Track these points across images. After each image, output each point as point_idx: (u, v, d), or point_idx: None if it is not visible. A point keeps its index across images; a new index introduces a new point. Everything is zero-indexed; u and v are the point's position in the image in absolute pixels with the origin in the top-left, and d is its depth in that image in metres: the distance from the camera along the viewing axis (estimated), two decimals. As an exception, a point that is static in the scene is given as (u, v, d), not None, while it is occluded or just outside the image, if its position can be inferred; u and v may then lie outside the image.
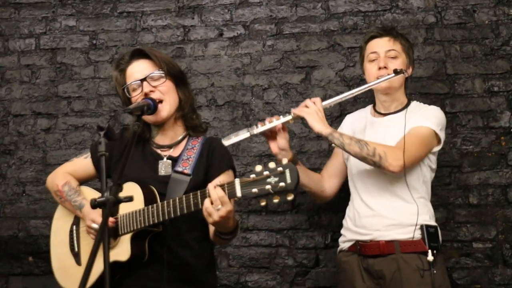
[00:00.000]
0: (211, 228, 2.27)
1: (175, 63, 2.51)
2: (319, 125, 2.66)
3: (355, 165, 2.82)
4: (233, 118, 3.51)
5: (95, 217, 2.30)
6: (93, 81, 3.68)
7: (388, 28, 2.95)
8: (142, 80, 2.36)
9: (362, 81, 3.43)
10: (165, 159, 2.40)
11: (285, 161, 1.93)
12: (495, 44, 3.38)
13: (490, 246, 3.17)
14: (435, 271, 2.54)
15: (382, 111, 2.88)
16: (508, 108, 3.31)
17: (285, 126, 2.82)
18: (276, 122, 2.75)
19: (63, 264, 2.49)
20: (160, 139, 2.46)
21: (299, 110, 2.74)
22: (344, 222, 2.88)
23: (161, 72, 2.39)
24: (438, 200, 3.22)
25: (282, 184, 1.88)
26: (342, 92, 3.34)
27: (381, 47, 2.82)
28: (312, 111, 2.69)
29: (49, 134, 3.65)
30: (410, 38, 3.41)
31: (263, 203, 1.95)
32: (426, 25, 3.46)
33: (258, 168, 1.94)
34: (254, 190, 1.92)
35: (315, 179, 2.97)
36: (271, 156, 3.36)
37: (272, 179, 1.89)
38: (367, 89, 2.82)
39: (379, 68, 2.78)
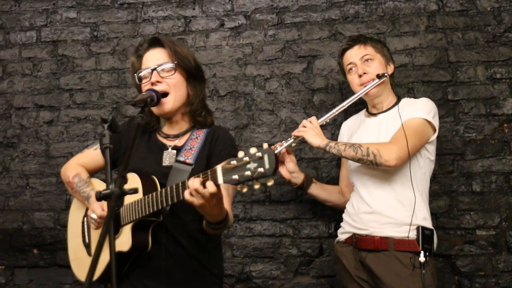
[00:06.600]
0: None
1: (191, 58, 2.46)
2: (316, 139, 2.80)
3: (353, 162, 2.86)
4: (235, 108, 3.51)
5: (94, 207, 2.31)
6: (94, 73, 3.68)
7: (355, 37, 3.04)
8: (153, 69, 2.37)
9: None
10: (170, 149, 2.41)
11: (265, 145, 1.86)
12: (497, 31, 3.37)
13: (493, 233, 3.18)
14: (424, 272, 2.58)
15: (375, 112, 2.96)
16: (511, 95, 3.30)
17: (289, 150, 2.98)
18: (279, 148, 2.89)
19: (77, 256, 2.53)
20: (167, 129, 2.48)
21: (297, 131, 2.88)
22: (343, 215, 2.94)
23: (172, 64, 2.38)
24: (441, 188, 3.24)
25: (260, 169, 1.82)
26: (344, 82, 3.36)
27: (355, 56, 2.93)
28: (309, 129, 2.84)
29: (51, 126, 3.66)
30: (412, 26, 3.42)
31: (244, 190, 1.91)
32: (428, 12, 3.44)
33: (240, 154, 1.88)
34: (235, 176, 1.87)
35: (334, 192, 3.12)
36: (274, 146, 3.37)
37: (252, 165, 1.83)
38: (356, 99, 2.92)
39: (359, 76, 2.89)
